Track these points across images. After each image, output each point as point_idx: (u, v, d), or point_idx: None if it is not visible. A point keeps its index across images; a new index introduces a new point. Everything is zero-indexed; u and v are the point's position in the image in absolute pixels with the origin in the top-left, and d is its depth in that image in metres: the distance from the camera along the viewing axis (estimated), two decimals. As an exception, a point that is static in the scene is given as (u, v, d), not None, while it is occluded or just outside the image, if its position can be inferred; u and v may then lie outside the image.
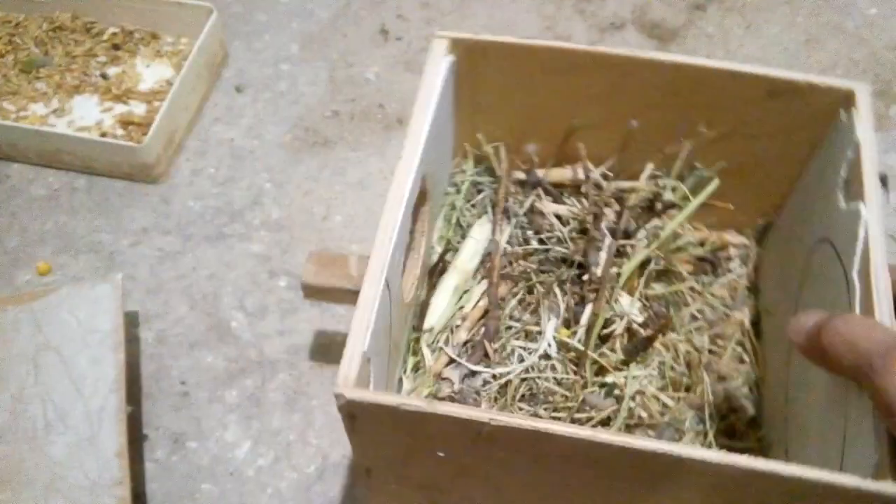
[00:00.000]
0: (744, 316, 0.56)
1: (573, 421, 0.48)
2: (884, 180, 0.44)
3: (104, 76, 0.90)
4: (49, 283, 0.74)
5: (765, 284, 0.59)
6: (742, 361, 0.55)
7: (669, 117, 0.52)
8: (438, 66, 0.50)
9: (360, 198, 0.80)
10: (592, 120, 0.54)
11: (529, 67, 0.52)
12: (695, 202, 0.55)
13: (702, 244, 0.59)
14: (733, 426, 0.53)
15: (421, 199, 0.51)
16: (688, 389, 0.53)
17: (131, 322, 0.72)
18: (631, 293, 0.53)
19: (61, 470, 0.58)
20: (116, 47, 0.92)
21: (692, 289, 0.57)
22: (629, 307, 0.52)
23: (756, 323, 0.58)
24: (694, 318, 0.55)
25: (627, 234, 0.55)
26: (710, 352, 0.54)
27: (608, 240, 0.54)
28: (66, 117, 0.86)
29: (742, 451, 0.36)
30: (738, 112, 0.51)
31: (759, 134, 0.52)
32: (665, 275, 0.56)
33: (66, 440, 0.59)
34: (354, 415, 0.38)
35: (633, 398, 0.50)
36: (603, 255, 0.53)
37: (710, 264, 0.58)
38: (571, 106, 0.54)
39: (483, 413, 0.36)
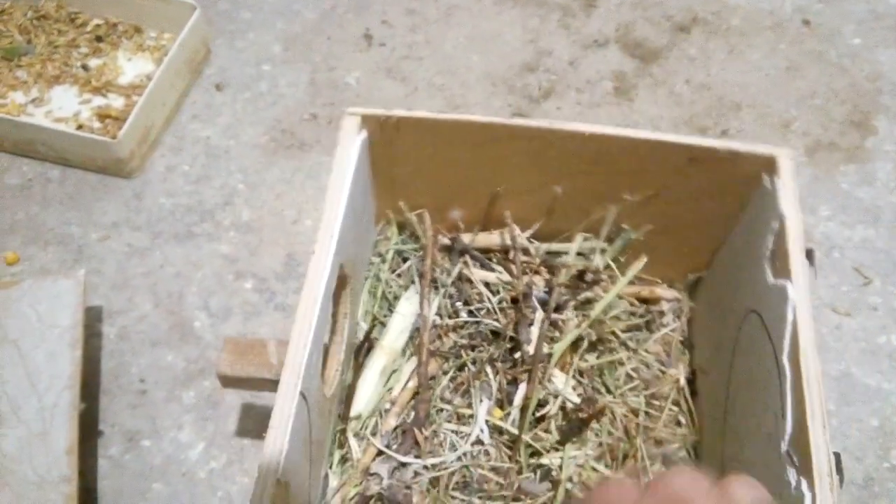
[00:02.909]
0: (679, 373, 0.56)
1: None
2: (810, 256, 0.43)
3: (85, 67, 0.90)
4: (16, 273, 0.75)
5: (698, 340, 0.58)
6: (679, 424, 0.55)
7: (593, 183, 0.52)
8: (350, 148, 0.48)
9: (332, 203, 0.80)
10: (516, 187, 0.54)
11: (445, 140, 0.51)
12: (623, 280, 0.55)
13: (636, 304, 0.58)
14: None
15: (341, 283, 0.50)
16: (625, 457, 0.52)
17: (95, 317, 0.72)
18: (563, 370, 0.53)
19: (11, 464, 0.58)
20: (99, 39, 0.92)
21: (625, 346, 0.56)
22: (563, 386, 0.52)
23: (692, 381, 0.57)
24: (629, 377, 0.55)
25: (558, 307, 0.55)
26: (647, 413, 0.54)
27: (539, 314, 0.54)
28: (44, 107, 0.86)
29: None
30: (660, 177, 0.51)
31: (682, 197, 0.52)
32: (599, 343, 0.56)
33: (18, 434, 0.59)
34: None
35: (570, 479, 0.49)
36: (535, 331, 0.53)
37: (642, 320, 0.59)
38: (493, 174, 0.53)
39: None
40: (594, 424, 0.52)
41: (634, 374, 0.55)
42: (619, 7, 0.97)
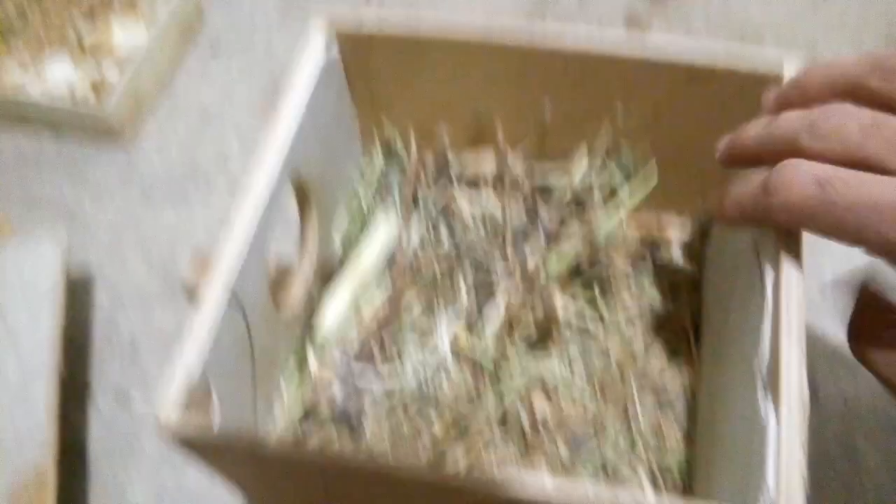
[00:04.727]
0: (685, 317, 0.51)
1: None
2: None
3: (80, 41, 0.88)
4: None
5: (707, 284, 0.53)
6: (678, 366, 0.49)
7: (584, 103, 0.47)
8: (312, 54, 0.46)
9: (330, 160, 0.77)
10: (502, 105, 0.50)
11: (419, 54, 0.48)
12: (632, 200, 0.51)
13: (643, 239, 0.54)
14: (665, 442, 0.47)
15: (303, 199, 0.47)
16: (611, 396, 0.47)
17: (86, 281, 0.70)
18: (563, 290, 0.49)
19: (-8, 427, 0.56)
20: (94, 10, 0.91)
21: (627, 279, 0.52)
22: (560, 307, 0.48)
23: (698, 326, 0.51)
24: (631, 322, 0.50)
25: (551, 235, 0.51)
26: (645, 351, 0.49)
27: (534, 241, 0.50)
28: (39, 81, 0.85)
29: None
30: (657, 99, 0.46)
31: (685, 121, 0.47)
32: (596, 276, 0.51)
33: None
34: (190, 445, 0.33)
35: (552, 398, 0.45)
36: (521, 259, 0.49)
37: (648, 253, 0.54)
38: (477, 91, 0.49)
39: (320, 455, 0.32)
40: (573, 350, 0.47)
41: (634, 310, 0.50)
42: (630, -53, 0.92)
